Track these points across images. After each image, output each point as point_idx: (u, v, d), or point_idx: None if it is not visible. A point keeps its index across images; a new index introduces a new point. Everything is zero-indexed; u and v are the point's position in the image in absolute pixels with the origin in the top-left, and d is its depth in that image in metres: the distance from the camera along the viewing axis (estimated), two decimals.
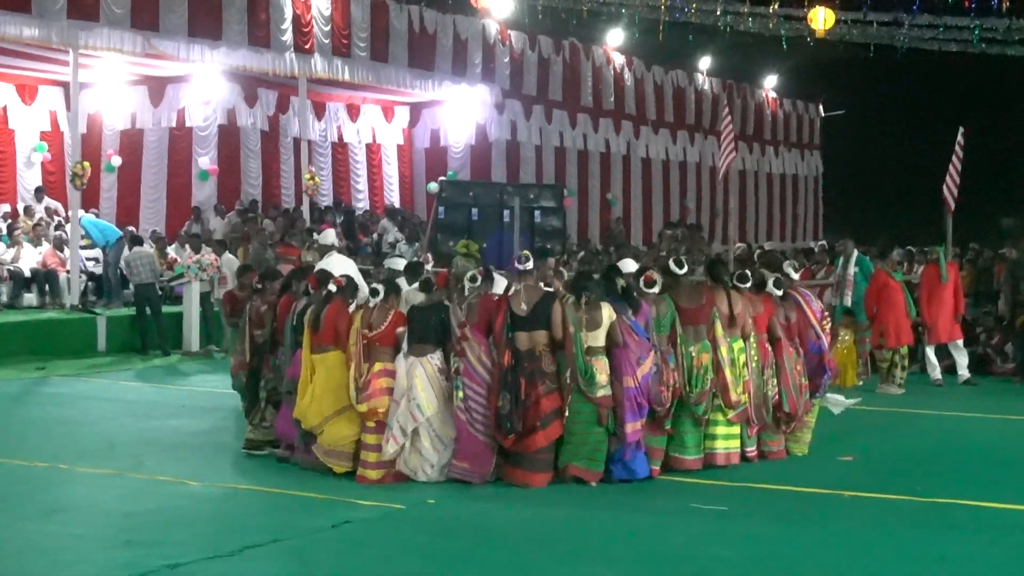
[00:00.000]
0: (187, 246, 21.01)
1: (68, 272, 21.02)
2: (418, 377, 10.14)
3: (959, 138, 19.37)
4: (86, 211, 22.82)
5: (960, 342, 17.05)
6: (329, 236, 14.57)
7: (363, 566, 8.04)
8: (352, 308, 10.85)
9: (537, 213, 22.52)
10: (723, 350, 10.74)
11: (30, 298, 21.08)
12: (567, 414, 10.06)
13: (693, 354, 10.64)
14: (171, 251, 21.85)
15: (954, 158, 19.19)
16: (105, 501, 9.92)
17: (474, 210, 22.57)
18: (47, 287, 21.11)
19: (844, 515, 9.35)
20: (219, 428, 13.33)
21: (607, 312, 10.15)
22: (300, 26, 24.32)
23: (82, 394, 15.78)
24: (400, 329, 10.38)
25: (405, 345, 10.32)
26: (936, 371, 16.89)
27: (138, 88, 25.95)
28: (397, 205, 29.51)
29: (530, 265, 10.41)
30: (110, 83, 25.55)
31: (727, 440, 10.92)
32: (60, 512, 9.44)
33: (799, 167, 43.40)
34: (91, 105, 25.74)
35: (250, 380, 11.81)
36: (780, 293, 11.49)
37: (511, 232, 20.68)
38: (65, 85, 23.66)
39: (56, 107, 25.93)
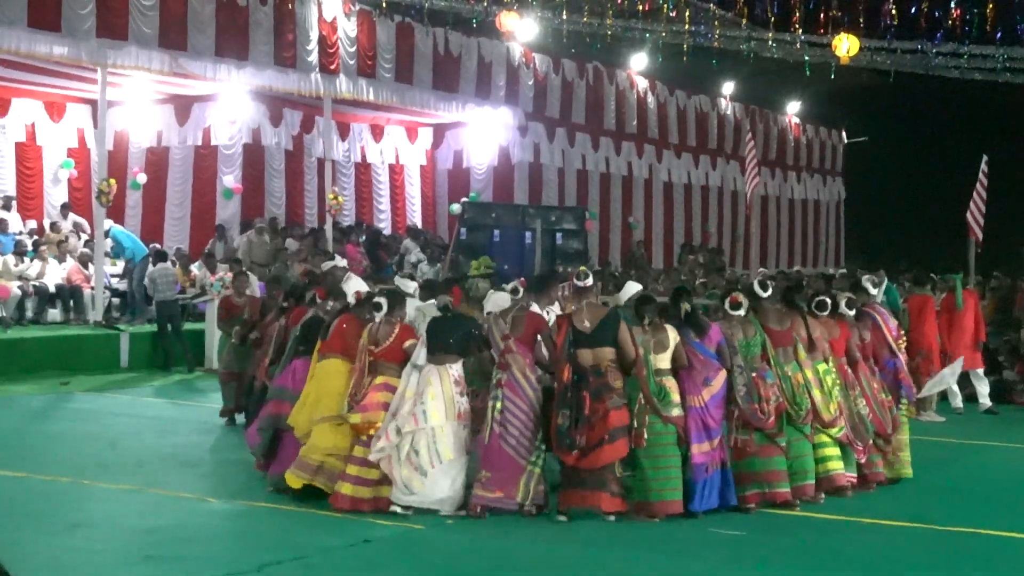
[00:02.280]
0: (205, 266, 21.18)
1: (93, 288, 21.17)
2: (432, 384, 9.93)
3: (983, 166, 19.38)
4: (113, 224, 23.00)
5: (981, 371, 17.03)
6: (339, 261, 14.82)
7: None
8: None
9: (559, 235, 22.59)
10: (808, 372, 10.76)
11: (55, 314, 21.24)
12: (646, 437, 9.92)
13: (789, 374, 10.66)
14: (194, 268, 22.01)
15: (978, 186, 19.20)
16: (126, 517, 9.98)
17: (496, 231, 22.65)
18: (72, 303, 21.27)
19: (862, 542, 9.36)
20: (239, 445, 13.36)
21: (672, 335, 10.15)
22: (326, 47, 24.47)
23: (105, 410, 15.87)
24: (407, 343, 10.19)
25: (421, 357, 10.09)
26: (957, 399, 16.87)
27: (165, 106, 26.14)
28: (419, 226, 29.60)
29: (589, 282, 10.28)
30: (137, 101, 25.74)
31: (838, 462, 10.85)
32: (82, 527, 9.51)
33: (821, 193, 43.36)
34: (118, 123, 25.93)
35: None
36: (852, 313, 11.59)
37: (532, 254, 20.72)
38: (93, 103, 23.86)
39: (84, 124, 26.12)
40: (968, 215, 19.32)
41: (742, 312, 10.71)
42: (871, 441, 11.20)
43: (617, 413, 9.77)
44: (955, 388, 16.90)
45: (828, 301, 11.45)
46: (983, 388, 16.97)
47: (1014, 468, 13.02)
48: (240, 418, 14.19)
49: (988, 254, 21.75)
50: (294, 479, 10.19)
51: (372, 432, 9.96)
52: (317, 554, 8.68)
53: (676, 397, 9.99)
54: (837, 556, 8.92)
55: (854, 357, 11.39)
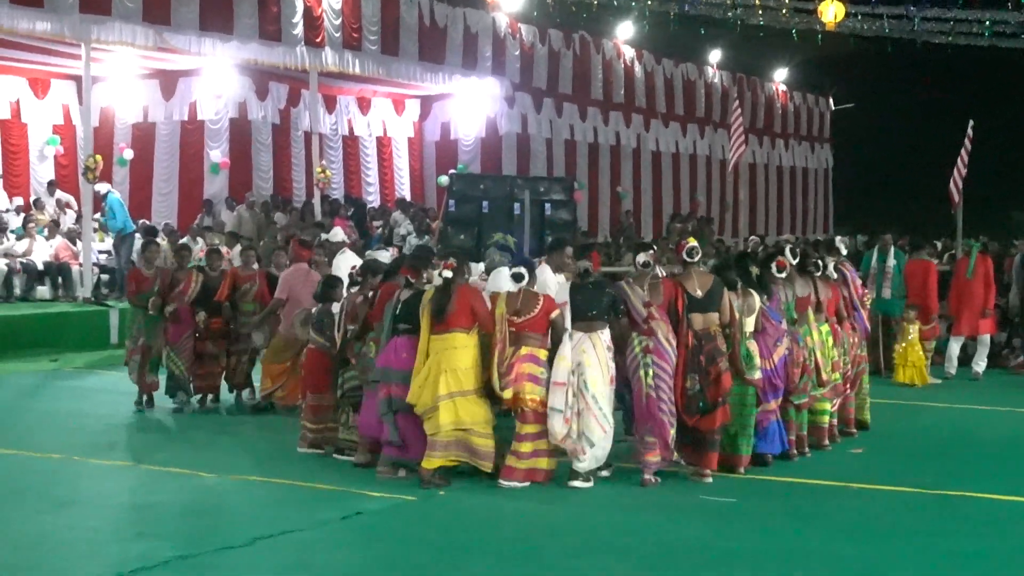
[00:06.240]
0: (199, 239, 21.09)
1: (81, 265, 21.13)
2: (586, 352, 9.98)
3: (968, 131, 19.41)
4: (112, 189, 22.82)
5: (987, 337, 17.01)
6: (338, 234, 14.55)
7: (373, 558, 8.07)
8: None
9: (547, 206, 22.40)
10: (815, 335, 11.46)
11: (43, 291, 21.19)
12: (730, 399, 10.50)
13: (804, 337, 11.33)
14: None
15: (962, 152, 19.25)
16: (118, 493, 10.00)
17: (484, 203, 22.48)
18: (60, 280, 21.23)
19: (854, 508, 9.40)
20: (229, 420, 13.43)
21: (757, 300, 10.71)
22: (311, 20, 24.35)
23: (95, 387, 15.86)
24: (554, 314, 10.11)
25: (569, 324, 10.12)
26: (951, 365, 16.89)
27: (150, 82, 26.05)
28: (408, 198, 29.56)
29: (698, 257, 10.69)
30: (122, 77, 25.64)
31: (825, 415, 11.66)
32: (73, 504, 9.52)
33: (809, 160, 43.35)
34: (103, 99, 25.83)
35: (334, 375, 11.32)
36: (836, 276, 12.17)
37: (521, 225, 20.66)
38: (77, 79, 23.78)
39: (69, 101, 26.04)
40: (951, 183, 19.36)
41: (784, 275, 11.31)
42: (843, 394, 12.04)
43: (727, 376, 10.29)
44: (953, 354, 16.94)
45: (821, 264, 11.98)
46: (982, 354, 16.96)
47: (1003, 432, 13.09)
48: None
49: (975, 218, 21.79)
50: (430, 462, 9.96)
51: (527, 407, 9.95)
52: (310, 527, 8.68)
53: (758, 360, 10.56)
54: (829, 520, 8.95)
55: (842, 315, 12.11)
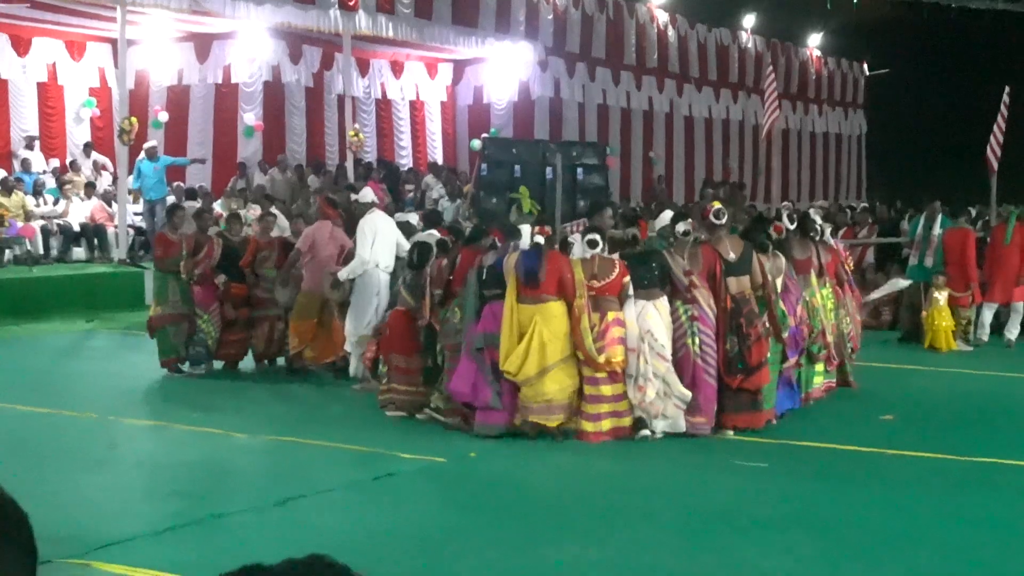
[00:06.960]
0: (234, 201, 21.22)
1: (116, 227, 21.28)
2: (651, 318, 10.21)
3: (1004, 97, 19.25)
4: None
5: (1020, 305, 16.92)
6: (367, 195, 14.52)
7: (404, 519, 8.12)
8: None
9: (580, 171, 22.32)
10: (818, 296, 11.73)
11: (79, 252, 21.37)
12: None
13: (806, 298, 11.55)
14: (217, 206, 22.06)
15: (999, 118, 19.09)
16: (152, 452, 10.14)
17: (517, 167, 22.49)
18: (96, 241, 21.40)
19: (885, 473, 9.40)
20: (263, 380, 13.53)
21: (784, 262, 11.06)
22: None
23: (129, 347, 16.00)
24: (626, 279, 10.33)
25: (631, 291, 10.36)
26: (983, 331, 16.82)
27: (184, 45, 26.09)
28: (440, 162, 29.56)
29: (725, 218, 10.94)
30: (157, 40, 25.68)
31: (820, 376, 12.00)
32: (107, 463, 9.65)
33: (842, 126, 43.07)
34: (139, 62, 25.87)
35: (428, 341, 11.29)
36: (832, 243, 12.51)
37: (553, 190, 20.69)
38: (113, 42, 23.82)
39: (104, 64, 26.11)
40: (988, 148, 19.22)
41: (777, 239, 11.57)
42: (847, 354, 12.39)
43: (767, 339, 10.55)
44: (985, 320, 16.87)
45: (819, 229, 12.31)
46: (1015, 322, 16.88)
47: None
48: (185, 366, 13.90)
49: (1010, 185, 21.63)
50: (548, 420, 10.20)
51: (615, 368, 10.14)
52: (342, 488, 8.78)
53: (790, 320, 10.90)
54: (860, 486, 8.96)
55: (842, 278, 12.48)
